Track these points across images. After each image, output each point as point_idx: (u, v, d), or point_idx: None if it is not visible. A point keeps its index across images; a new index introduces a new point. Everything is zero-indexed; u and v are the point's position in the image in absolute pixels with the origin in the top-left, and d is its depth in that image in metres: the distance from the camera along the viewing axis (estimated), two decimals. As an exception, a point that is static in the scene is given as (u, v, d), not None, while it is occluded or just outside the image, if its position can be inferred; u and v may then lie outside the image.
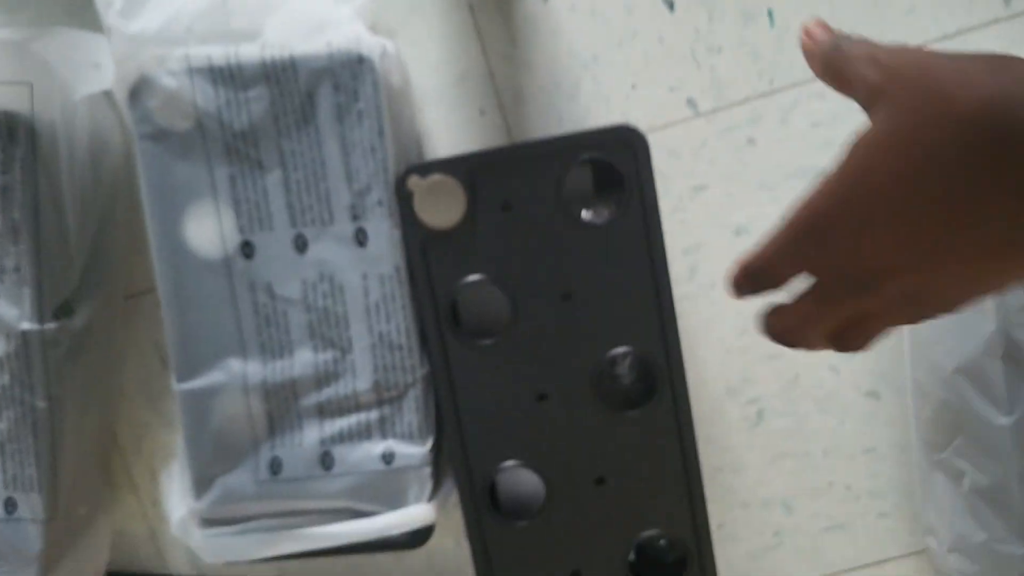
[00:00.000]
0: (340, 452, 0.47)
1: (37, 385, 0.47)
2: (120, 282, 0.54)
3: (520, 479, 0.49)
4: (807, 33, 0.29)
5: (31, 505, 0.49)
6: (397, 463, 0.46)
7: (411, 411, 0.47)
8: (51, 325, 0.47)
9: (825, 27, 0.29)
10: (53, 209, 0.47)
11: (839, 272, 0.27)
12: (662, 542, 0.49)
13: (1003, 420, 0.46)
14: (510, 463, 0.47)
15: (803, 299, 0.29)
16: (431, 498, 0.47)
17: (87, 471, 0.54)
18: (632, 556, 0.48)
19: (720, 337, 0.56)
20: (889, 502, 0.57)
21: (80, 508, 0.54)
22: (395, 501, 0.47)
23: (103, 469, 0.58)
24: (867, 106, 0.26)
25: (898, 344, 0.54)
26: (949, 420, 0.49)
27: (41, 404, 0.48)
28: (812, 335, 0.29)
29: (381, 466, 0.46)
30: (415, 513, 0.46)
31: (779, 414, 0.56)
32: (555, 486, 0.47)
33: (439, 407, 0.48)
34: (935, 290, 0.25)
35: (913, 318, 0.28)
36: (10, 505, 0.49)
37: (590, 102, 0.54)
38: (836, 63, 0.27)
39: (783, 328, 0.30)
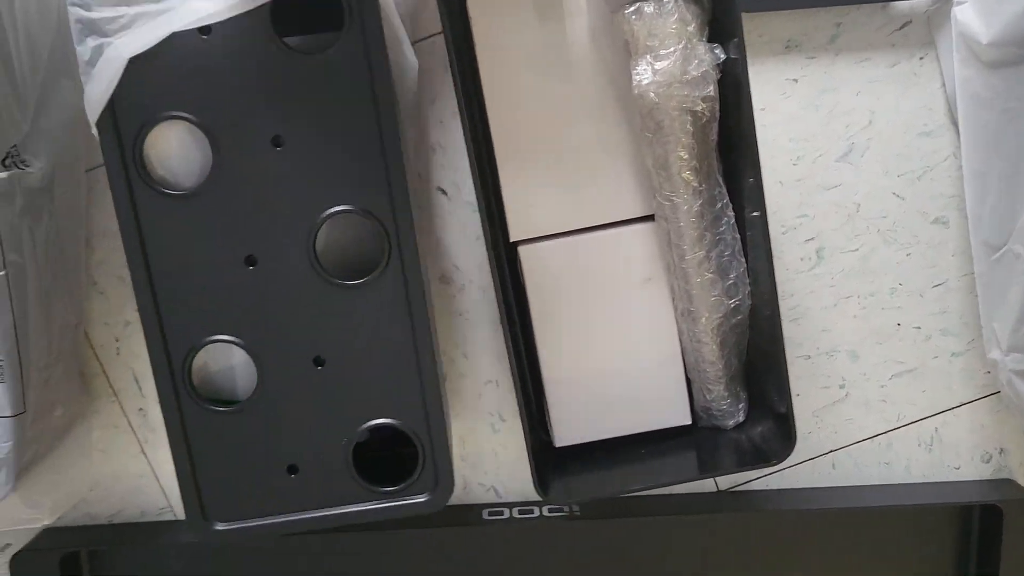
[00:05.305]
0: None
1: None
2: (79, 144, 0.46)
3: (228, 358, 0.42)
4: None
5: (-5, 394, 0.41)
6: None
7: None
8: (2, 174, 0.39)
9: None
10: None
11: None
12: (393, 430, 0.42)
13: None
14: (215, 338, 0.39)
15: None
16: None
17: (57, 364, 0.46)
18: (355, 444, 0.41)
19: (772, 168, 0.49)
20: (962, 340, 0.51)
21: (54, 408, 0.47)
22: None
23: (76, 366, 0.51)
24: None
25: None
26: (1007, 206, 0.43)
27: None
28: None
29: None
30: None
31: (841, 251, 0.50)
32: (267, 367, 0.40)
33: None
34: None
35: None
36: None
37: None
38: None
39: None
